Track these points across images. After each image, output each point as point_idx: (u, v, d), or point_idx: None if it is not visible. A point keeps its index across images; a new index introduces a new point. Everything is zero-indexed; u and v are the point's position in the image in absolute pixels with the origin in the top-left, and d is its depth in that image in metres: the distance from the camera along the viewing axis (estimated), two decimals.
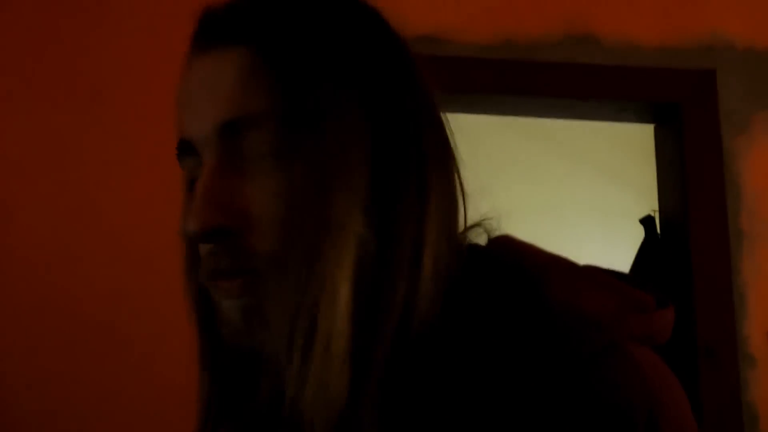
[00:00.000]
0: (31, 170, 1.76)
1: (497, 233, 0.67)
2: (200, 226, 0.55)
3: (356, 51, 0.61)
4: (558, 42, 1.90)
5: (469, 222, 0.65)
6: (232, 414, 0.66)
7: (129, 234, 1.72)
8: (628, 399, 0.51)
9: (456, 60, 1.89)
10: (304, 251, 0.54)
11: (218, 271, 0.57)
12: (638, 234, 2.22)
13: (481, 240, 0.66)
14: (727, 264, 1.80)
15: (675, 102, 1.86)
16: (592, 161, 4.04)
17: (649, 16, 1.92)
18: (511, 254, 0.63)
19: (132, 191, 1.75)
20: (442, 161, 0.63)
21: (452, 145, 0.65)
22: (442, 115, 0.65)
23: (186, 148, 0.60)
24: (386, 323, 0.56)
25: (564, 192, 4.05)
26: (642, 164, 2.01)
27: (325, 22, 0.60)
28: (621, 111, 1.94)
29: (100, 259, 1.72)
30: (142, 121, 1.76)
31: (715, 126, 1.86)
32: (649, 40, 1.90)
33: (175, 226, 0.60)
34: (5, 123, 1.78)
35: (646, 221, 1.94)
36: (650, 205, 2.03)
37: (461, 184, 0.65)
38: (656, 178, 1.97)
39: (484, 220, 0.66)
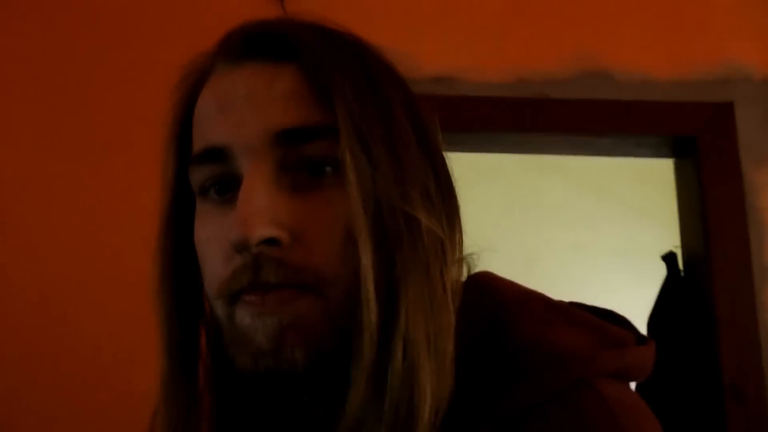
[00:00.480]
0: (44, 211, 1.78)
1: (477, 269, 0.66)
2: (251, 235, 0.53)
3: (393, 78, 0.64)
4: (571, 79, 1.89)
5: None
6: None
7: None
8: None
9: (470, 99, 1.88)
10: (388, 264, 0.54)
11: (258, 284, 0.55)
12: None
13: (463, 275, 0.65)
14: (752, 300, 1.75)
15: (692, 135, 1.84)
16: (619, 198, 3.99)
17: (662, 50, 1.91)
18: (488, 291, 0.62)
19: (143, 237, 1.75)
20: (454, 184, 0.65)
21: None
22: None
23: (213, 155, 0.58)
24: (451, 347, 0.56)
25: (591, 231, 4.00)
26: (671, 199, 1.99)
27: (366, 53, 0.63)
28: (638, 146, 1.91)
29: (115, 305, 1.72)
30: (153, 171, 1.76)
31: (734, 159, 1.82)
32: (664, 74, 1.88)
33: None
34: (19, 170, 1.81)
35: (668, 258, 1.90)
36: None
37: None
38: (677, 214, 1.94)
39: (468, 255, 0.65)
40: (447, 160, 0.64)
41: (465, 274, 0.64)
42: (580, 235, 4.00)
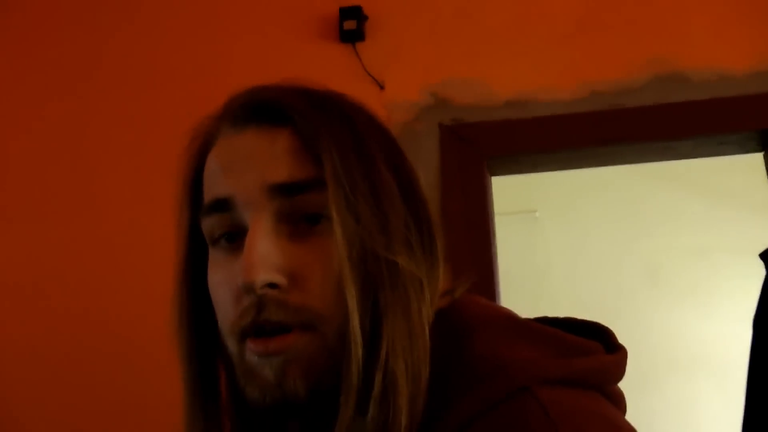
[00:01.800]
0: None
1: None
2: (255, 280, 0.60)
3: (377, 134, 0.70)
4: (645, 85, 1.87)
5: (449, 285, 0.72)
6: None
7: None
8: None
9: (545, 120, 1.89)
10: (374, 307, 0.61)
11: (261, 323, 0.62)
12: None
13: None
14: None
15: None
16: (733, 196, 3.85)
17: (735, 42, 1.86)
18: (455, 315, 0.67)
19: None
20: (436, 226, 0.70)
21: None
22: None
23: (220, 206, 0.66)
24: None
25: (710, 234, 3.86)
26: None
27: (352, 113, 0.70)
28: (721, 144, 1.86)
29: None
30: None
31: None
32: (740, 68, 1.83)
33: None
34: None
35: (766, 256, 1.82)
36: None
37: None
38: None
39: (460, 284, 0.72)
40: (428, 205, 0.70)
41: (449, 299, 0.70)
42: (699, 239, 3.86)
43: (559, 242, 4.02)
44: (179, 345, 0.71)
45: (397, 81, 2.00)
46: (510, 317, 0.68)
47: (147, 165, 2.03)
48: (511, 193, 2.94)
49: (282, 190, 0.64)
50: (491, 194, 1.95)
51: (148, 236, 1.97)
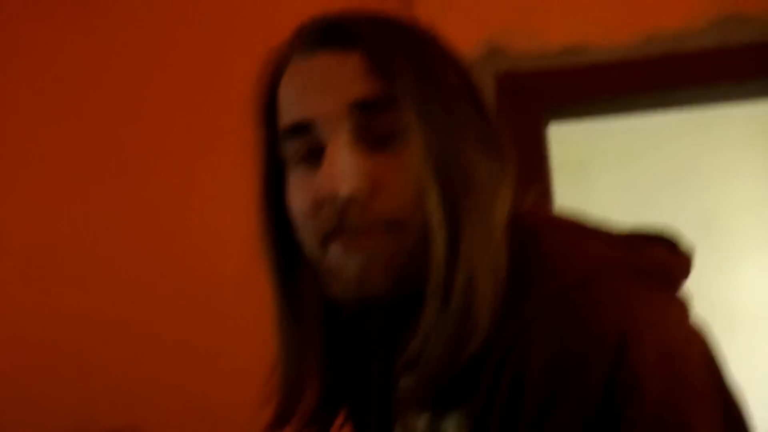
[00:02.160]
0: None
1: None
2: (338, 188, 0.65)
3: (445, 52, 0.75)
4: (705, 27, 1.82)
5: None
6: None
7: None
8: (601, 322, 0.57)
9: (602, 66, 1.87)
10: (452, 208, 0.65)
11: (344, 228, 0.67)
12: None
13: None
14: None
15: None
16: None
17: None
18: (527, 218, 0.72)
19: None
20: (505, 138, 0.74)
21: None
22: None
23: (299, 128, 0.70)
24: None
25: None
26: None
27: (419, 33, 0.75)
28: None
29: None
30: None
31: None
32: None
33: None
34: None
35: None
36: None
37: None
38: None
39: (524, 197, 0.77)
40: (496, 121, 0.74)
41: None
42: (759, 191, 3.77)
43: (613, 195, 3.97)
44: (266, 259, 0.76)
45: (451, 31, 1.95)
46: (578, 220, 0.73)
47: (203, 118, 2.04)
48: (565, 147, 2.90)
49: (360, 107, 0.67)
50: (548, 143, 1.94)
51: (207, 190, 1.99)
